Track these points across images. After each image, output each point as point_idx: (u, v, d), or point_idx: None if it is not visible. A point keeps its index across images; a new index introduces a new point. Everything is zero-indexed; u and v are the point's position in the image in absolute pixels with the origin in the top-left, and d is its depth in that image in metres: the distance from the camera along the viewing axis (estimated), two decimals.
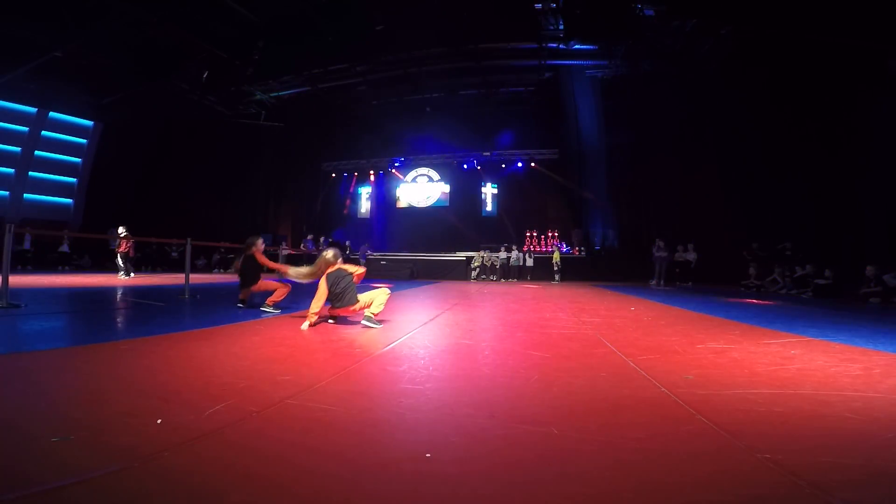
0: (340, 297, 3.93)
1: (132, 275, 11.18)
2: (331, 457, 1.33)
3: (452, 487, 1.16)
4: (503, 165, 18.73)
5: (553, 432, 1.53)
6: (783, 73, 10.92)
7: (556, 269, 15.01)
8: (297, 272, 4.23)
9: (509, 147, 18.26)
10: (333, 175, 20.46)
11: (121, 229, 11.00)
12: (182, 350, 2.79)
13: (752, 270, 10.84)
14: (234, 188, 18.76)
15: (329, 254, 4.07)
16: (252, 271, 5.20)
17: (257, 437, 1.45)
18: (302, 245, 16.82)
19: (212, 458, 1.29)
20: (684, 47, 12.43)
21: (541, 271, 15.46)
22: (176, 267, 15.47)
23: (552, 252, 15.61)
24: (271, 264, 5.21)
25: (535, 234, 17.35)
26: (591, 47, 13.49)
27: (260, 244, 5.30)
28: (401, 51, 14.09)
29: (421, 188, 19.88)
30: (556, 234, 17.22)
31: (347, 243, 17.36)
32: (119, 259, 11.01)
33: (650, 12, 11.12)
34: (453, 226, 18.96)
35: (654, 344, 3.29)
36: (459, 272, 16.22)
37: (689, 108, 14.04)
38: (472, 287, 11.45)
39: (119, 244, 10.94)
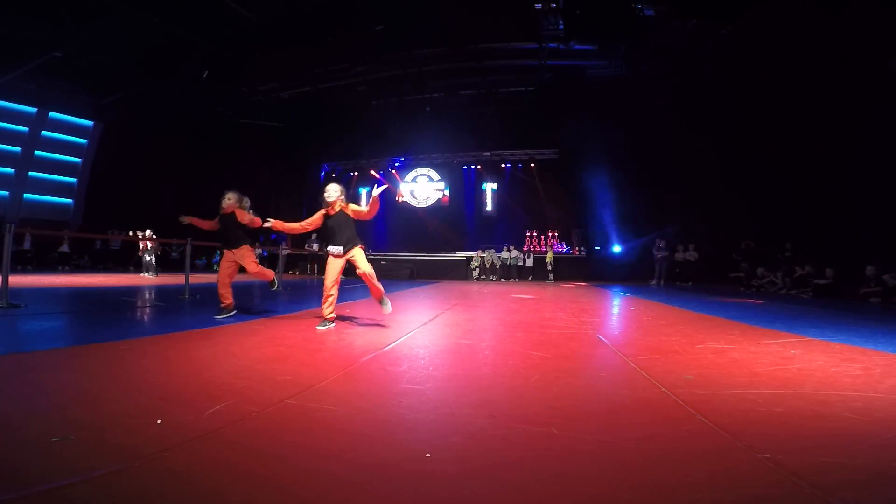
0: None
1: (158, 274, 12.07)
2: (331, 457, 1.33)
3: (452, 487, 1.16)
4: (503, 165, 18.72)
5: (553, 432, 1.53)
6: (783, 73, 10.91)
7: (549, 268, 15.05)
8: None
9: (509, 147, 18.24)
10: (334, 175, 20.45)
11: (148, 231, 12.01)
12: (182, 350, 2.79)
13: (759, 271, 10.85)
14: (235, 188, 18.70)
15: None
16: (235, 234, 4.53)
17: (257, 437, 1.45)
18: (306, 245, 16.83)
19: (212, 458, 1.29)
20: (684, 47, 12.42)
21: (541, 271, 15.48)
22: (176, 267, 15.47)
23: (545, 252, 15.66)
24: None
25: (535, 234, 17.35)
26: (590, 47, 13.48)
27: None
28: (401, 51, 14.06)
29: (421, 188, 19.87)
30: (556, 234, 17.22)
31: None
32: (149, 258, 11.96)
33: (650, 12, 11.11)
34: (453, 226, 18.95)
35: (654, 344, 3.29)
36: (459, 272, 16.21)
37: (688, 108, 14.04)
38: (472, 287, 11.45)
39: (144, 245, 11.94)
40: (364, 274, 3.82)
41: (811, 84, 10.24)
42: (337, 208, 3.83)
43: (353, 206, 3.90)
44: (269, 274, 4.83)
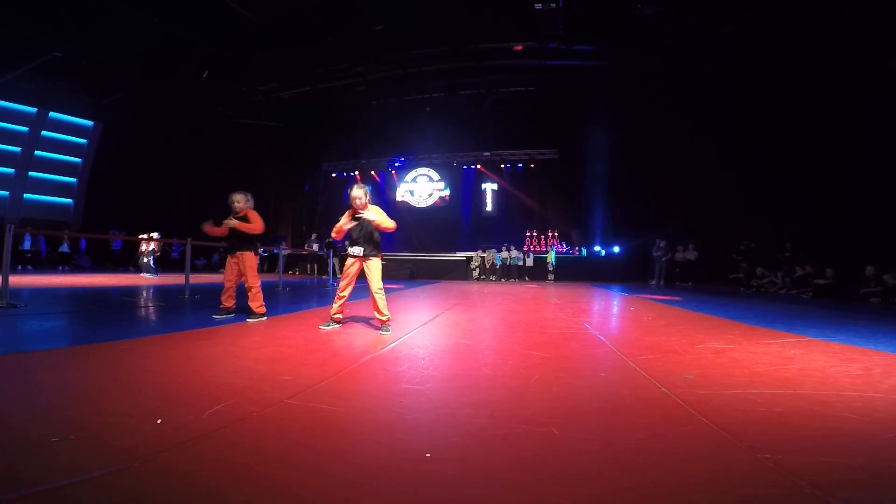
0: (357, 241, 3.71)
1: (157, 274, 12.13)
2: (331, 457, 1.33)
3: (452, 487, 1.16)
4: (503, 165, 18.72)
5: (553, 432, 1.53)
6: (783, 73, 10.92)
7: (550, 269, 15.06)
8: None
9: (509, 147, 18.26)
10: (333, 175, 20.46)
11: (156, 234, 12.10)
12: (182, 350, 2.79)
13: (759, 271, 10.86)
14: (235, 188, 18.65)
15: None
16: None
17: (257, 437, 1.45)
18: (306, 245, 16.85)
19: (212, 458, 1.29)
20: (684, 48, 12.42)
21: (541, 271, 15.48)
22: (176, 267, 15.48)
23: (547, 252, 15.68)
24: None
25: (535, 234, 17.36)
26: (590, 47, 13.48)
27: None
28: (401, 51, 14.07)
29: (421, 188, 19.88)
30: (556, 234, 17.24)
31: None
32: (146, 259, 11.98)
33: (651, 12, 11.12)
34: (453, 226, 18.96)
35: (654, 344, 3.29)
36: (459, 272, 16.22)
37: (689, 108, 14.05)
38: (472, 287, 11.45)
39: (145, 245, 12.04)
40: (372, 292, 3.70)
41: (811, 84, 10.25)
42: (363, 210, 3.74)
43: (376, 210, 3.78)
44: (261, 308, 4.24)
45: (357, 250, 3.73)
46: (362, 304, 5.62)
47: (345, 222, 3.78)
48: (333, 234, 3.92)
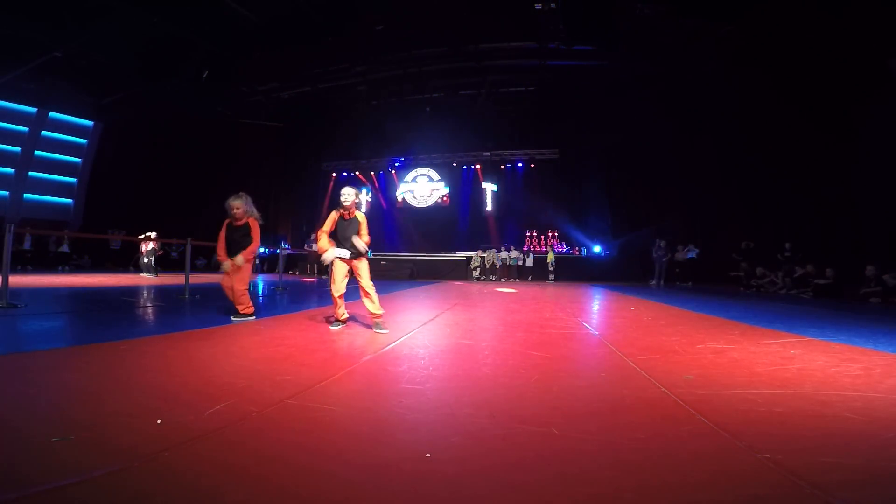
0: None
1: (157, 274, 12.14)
2: (331, 457, 1.33)
3: (452, 487, 1.16)
4: (503, 165, 18.71)
5: (553, 432, 1.53)
6: (783, 73, 10.92)
7: (550, 268, 15.05)
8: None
9: (509, 147, 18.25)
10: (333, 175, 20.45)
11: (153, 234, 12.13)
12: (182, 350, 2.79)
13: (759, 271, 10.85)
14: (235, 188, 18.63)
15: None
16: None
17: (257, 437, 1.45)
18: (306, 245, 16.84)
19: (212, 458, 1.29)
20: (684, 48, 12.42)
21: (540, 271, 15.48)
22: (176, 267, 15.48)
23: (547, 252, 15.68)
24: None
25: (535, 234, 17.35)
26: (590, 47, 13.48)
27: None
28: (401, 51, 14.08)
29: (421, 188, 19.88)
30: (556, 234, 17.23)
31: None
32: (147, 259, 12.03)
33: (650, 12, 11.12)
34: (453, 226, 18.94)
35: (654, 344, 3.29)
36: (459, 272, 16.21)
37: (688, 108, 14.05)
38: (472, 287, 11.45)
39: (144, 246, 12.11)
40: (364, 290, 3.75)
41: (811, 84, 10.25)
42: (352, 213, 3.80)
43: (363, 220, 3.82)
44: (249, 308, 4.21)
45: (344, 253, 3.76)
46: (362, 305, 5.62)
47: (328, 227, 3.82)
48: (320, 237, 3.89)
